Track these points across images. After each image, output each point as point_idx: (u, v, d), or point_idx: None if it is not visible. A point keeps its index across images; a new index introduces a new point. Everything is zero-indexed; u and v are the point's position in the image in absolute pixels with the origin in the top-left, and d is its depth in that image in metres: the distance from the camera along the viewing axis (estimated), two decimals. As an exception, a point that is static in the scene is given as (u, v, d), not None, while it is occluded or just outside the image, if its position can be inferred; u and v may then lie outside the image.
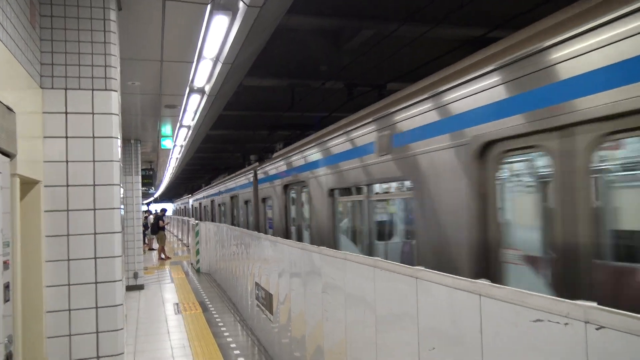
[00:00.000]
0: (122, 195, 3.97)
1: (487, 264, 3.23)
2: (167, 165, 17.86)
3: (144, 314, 8.68)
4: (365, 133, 5.23)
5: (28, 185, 3.33)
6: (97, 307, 3.53)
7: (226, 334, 7.17)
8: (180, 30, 4.82)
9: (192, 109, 8.29)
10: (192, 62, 5.71)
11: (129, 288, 10.95)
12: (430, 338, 2.41)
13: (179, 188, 52.28)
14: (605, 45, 2.39)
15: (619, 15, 2.31)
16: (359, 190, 5.75)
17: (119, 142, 3.80)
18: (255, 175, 11.59)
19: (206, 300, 9.86)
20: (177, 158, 16.03)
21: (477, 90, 3.30)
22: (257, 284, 6.75)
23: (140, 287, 11.16)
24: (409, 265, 2.60)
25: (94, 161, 3.56)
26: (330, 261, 3.73)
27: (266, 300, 6.14)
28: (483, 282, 2.02)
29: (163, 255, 18.05)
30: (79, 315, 3.49)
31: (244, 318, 7.94)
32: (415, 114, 4.16)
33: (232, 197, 14.76)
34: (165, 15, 4.37)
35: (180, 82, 6.66)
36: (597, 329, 1.48)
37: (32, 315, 3.32)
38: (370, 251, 5.43)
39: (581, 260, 2.54)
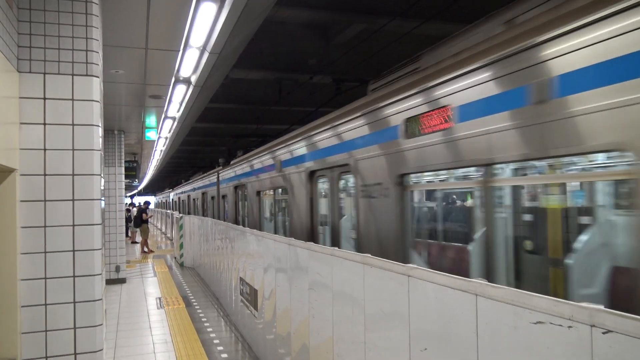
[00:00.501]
0: (103, 187, 3.82)
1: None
2: (152, 157, 17.59)
3: (125, 308, 8.51)
4: (271, 157, 8.79)
5: (2, 173, 3.17)
6: (74, 302, 3.38)
7: (209, 329, 7.04)
8: (166, 17, 4.67)
9: (178, 100, 8.11)
10: (178, 50, 5.55)
11: (111, 282, 10.76)
12: (422, 338, 2.32)
13: (164, 181, 51.79)
14: None
15: None
16: (270, 192, 9.51)
17: (100, 130, 3.65)
18: (218, 177, 14.90)
19: (189, 294, 9.71)
20: (161, 150, 15.78)
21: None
22: (241, 279, 6.63)
23: (122, 281, 10.96)
24: (400, 264, 2.51)
25: (73, 149, 3.41)
26: (317, 257, 3.64)
27: (251, 296, 6.03)
28: (480, 282, 1.93)
29: (146, 249, 17.81)
30: (55, 310, 3.34)
31: (228, 314, 7.82)
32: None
33: (202, 193, 18.75)
34: (150, 1, 4.22)
35: (166, 72, 6.49)
36: (604, 332, 1.40)
37: (5, 310, 3.16)
38: (275, 226, 9.30)
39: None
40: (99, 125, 3.54)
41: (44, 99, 3.37)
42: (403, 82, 4.56)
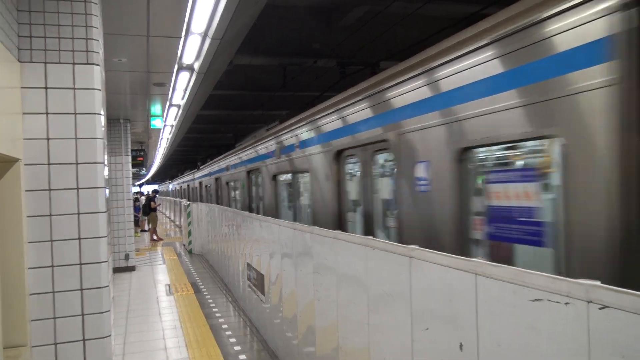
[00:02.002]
0: (106, 175, 3.84)
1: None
2: (158, 145, 17.65)
3: (135, 295, 8.61)
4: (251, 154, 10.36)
5: (7, 163, 3.20)
6: (82, 289, 3.43)
7: (218, 314, 7.12)
8: (166, 3, 4.65)
9: (182, 87, 8.11)
10: (180, 37, 5.54)
11: (121, 270, 10.87)
12: (424, 318, 2.33)
13: (172, 169, 52.00)
14: None
15: None
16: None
17: (103, 118, 3.66)
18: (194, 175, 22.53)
19: (198, 281, 9.80)
20: (167, 138, 15.82)
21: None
22: (248, 265, 6.68)
23: (131, 269, 11.08)
24: (402, 245, 2.52)
25: (76, 138, 3.43)
26: (320, 240, 3.65)
27: (258, 281, 6.08)
28: (479, 261, 1.94)
29: (155, 237, 17.95)
30: (63, 298, 3.40)
31: (236, 299, 7.89)
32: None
33: (191, 184, 25.30)
34: (149, -13, 4.21)
35: (169, 59, 6.48)
36: (600, 308, 1.40)
37: (14, 298, 3.22)
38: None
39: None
40: (101, 114, 3.56)
41: (46, 88, 3.38)
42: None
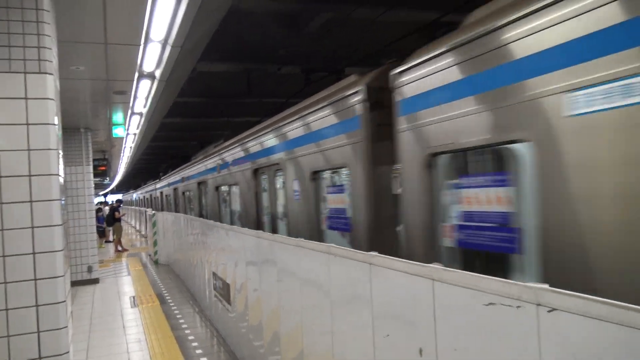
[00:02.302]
0: (64, 185, 3.74)
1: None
2: (121, 154, 17.29)
3: (98, 308, 8.39)
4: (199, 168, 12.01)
5: (-46, 176, 3.08)
6: (37, 305, 3.31)
7: (184, 326, 7.00)
8: (123, 11, 4.56)
9: (143, 95, 7.97)
10: (139, 45, 5.44)
11: (83, 282, 10.59)
12: (385, 324, 2.34)
13: (137, 178, 51.01)
14: None
15: None
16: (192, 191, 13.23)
17: (57, 129, 3.56)
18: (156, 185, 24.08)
19: (164, 292, 9.62)
20: (130, 147, 15.51)
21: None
22: (214, 274, 6.60)
23: (95, 281, 10.80)
24: (362, 252, 2.53)
25: (29, 150, 3.32)
26: (283, 248, 3.64)
27: (224, 290, 6.01)
28: (436, 267, 1.95)
29: (120, 248, 17.56)
30: (17, 315, 3.27)
31: (203, 309, 7.78)
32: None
33: (152, 194, 26.82)
34: (105, -6, 4.12)
35: (129, 67, 6.36)
36: (549, 311, 1.43)
37: (-36, 317, 3.09)
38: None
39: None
40: (55, 124, 3.46)
41: (-4, 98, 3.27)
42: None
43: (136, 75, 6.78)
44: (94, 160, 17.34)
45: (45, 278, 3.33)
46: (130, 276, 11.78)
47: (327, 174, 5.05)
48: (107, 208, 21.66)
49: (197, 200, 12.58)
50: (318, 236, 5.01)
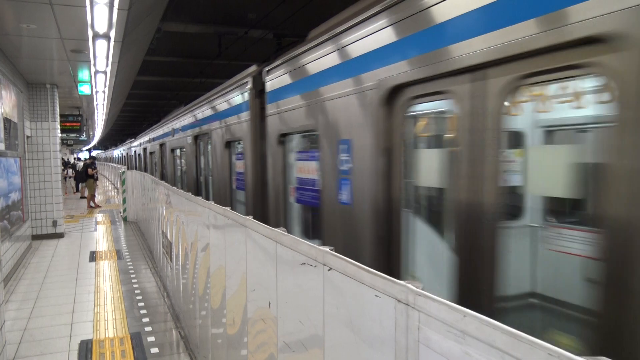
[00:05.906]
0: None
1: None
2: (95, 111, 17.27)
3: (56, 262, 8.66)
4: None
5: None
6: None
7: (134, 280, 7.31)
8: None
9: (103, 54, 8.03)
10: (84, 6, 5.53)
11: (48, 236, 10.84)
12: (253, 282, 2.62)
13: (121, 135, 50.69)
14: None
15: None
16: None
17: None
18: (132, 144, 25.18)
19: (124, 248, 9.91)
20: (103, 104, 15.50)
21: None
22: (162, 232, 6.87)
23: (59, 235, 11.05)
24: (241, 215, 2.79)
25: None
26: (207, 211, 3.92)
27: (168, 248, 6.29)
28: (278, 231, 2.21)
29: (92, 204, 17.76)
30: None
31: (156, 265, 8.09)
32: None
33: (128, 152, 28.16)
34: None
35: (80, 27, 6.45)
36: (328, 270, 1.71)
37: None
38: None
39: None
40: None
41: None
42: None
43: (91, 34, 6.85)
44: (68, 115, 17.35)
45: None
46: (96, 232, 12.04)
47: (235, 144, 6.36)
48: (80, 164, 21.72)
49: (160, 160, 13.59)
50: (231, 194, 6.43)
